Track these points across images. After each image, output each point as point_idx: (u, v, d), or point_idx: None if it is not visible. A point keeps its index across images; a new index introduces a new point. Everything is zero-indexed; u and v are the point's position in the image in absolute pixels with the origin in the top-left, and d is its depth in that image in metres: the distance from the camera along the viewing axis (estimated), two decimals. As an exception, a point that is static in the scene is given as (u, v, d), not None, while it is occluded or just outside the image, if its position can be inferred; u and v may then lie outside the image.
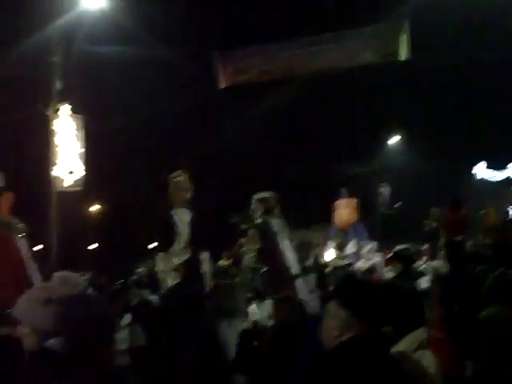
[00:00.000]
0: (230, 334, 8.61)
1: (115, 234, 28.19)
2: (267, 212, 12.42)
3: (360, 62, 16.41)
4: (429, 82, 25.67)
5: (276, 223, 12.32)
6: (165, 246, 8.51)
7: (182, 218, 8.60)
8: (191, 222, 8.65)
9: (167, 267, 8.41)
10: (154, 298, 9.03)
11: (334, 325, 3.15)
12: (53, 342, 3.25)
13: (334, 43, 16.81)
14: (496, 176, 38.46)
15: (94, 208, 32.81)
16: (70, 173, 18.19)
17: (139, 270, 14.90)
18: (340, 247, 15.67)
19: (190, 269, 8.52)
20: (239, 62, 16.69)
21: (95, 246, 34.20)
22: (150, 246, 27.61)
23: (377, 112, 26.43)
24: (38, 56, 17.16)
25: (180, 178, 8.76)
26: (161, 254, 8.46)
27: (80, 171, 18.30)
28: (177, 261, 8.36)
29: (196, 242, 8.59)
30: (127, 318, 9.15)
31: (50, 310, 3.37)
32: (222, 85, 16.66)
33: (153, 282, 9.44)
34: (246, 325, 8.11)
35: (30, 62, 17.06)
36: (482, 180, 38.40)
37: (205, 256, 8.70)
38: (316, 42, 17.28)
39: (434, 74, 24.27)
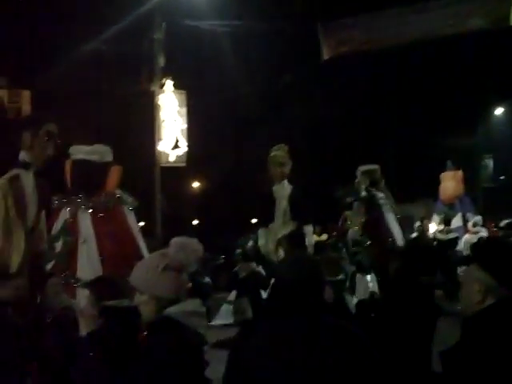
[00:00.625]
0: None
1: (218, 210, 28.49)
2: (372, 185, 12.34)
3: (468, 28, 15.71)
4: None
5: (381, 196, 12.24)
6: (266, 221, 8.40)
7: (282, 192, 8.56)
8: (291, 195, 8.52)
9: (269, 241, 8.24)
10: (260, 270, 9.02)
11: (476, 290, 2.96)
12: (172, 310, 3.23)
13: (440, 9, 16.17)
14: None
15: (197, 184, 33.26)
16: (174, 148, 18.26)
17: (244, 244, 14.98)
18: (446, 221, 15.20)
19: (293, 242, 8.39)
20: (342, 33, 16.39)
21: (198, 221, 34.75)
22: (253, 221, 27.94)
23: (481, 82, 25.37)
24: (140, 32, 17.39)
25: (277, 152, 8.68)
26: (262, 229, 8.44)
27: (183, 147, 18.44)
28: (279, 234, 8.29)
29: (298, 216, 8.51)
30: (233, 294, 9.25)
31: (170, 277, 3.36)
32: (326, 56, 16.42)
33: (257, 255, 9.42)
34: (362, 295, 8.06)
35: (132, 39, 17.29)
36: None
37: (308, 229, 8.64)
38: (421, 9, 16.70)
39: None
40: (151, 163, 18.07)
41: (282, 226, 8.49)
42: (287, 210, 8.48)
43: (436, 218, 16.91)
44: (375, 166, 12.67)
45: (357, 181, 12.39)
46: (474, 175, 25.07)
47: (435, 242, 15.21)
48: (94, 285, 4.04)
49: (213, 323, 9.62)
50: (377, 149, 23.59)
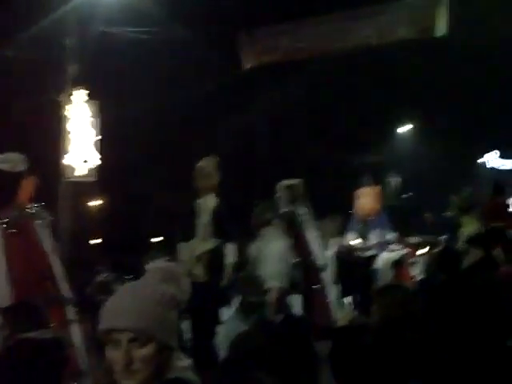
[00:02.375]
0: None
1: (124, 227, 27.73)
2: (294, 200, 12.10)
3: (395, 38, 15.74)
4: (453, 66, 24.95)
5: (303, 212, 12.00)
6: (187, 236, 8.00)
7: (206, 205, 8.20)
8: (215, 210, 8.13)
9: (190, 257, 8.00)
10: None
11: None
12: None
13: (367, 18, 16.07)
14: (506, 165, 38.48)
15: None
16: (85, 162, 17.49)
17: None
18: (362, 238, 15.10)
19: (212, 261, 8.10)
20: (265, 41, 16.12)
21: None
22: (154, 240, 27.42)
23: (390, 98, 25.74)
24: (51, 39, 16.64)
25: (204, 163, 8.36)
26: (183, 244, 8.05)
27: (95, 160, 17.68)
28: (199, 250, 8.09)
29: (220, 233, 8.30)
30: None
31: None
32: (247, 66, 16.11)
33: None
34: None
35: (43, 45, 16.52)
36: (492, 169, 38.21)
37: (230, 248, 8.42)
38: (346, 18, 16.57)
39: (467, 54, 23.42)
40: (56, 178, 17.17)
41: (201, 243, 8.14)
42: (208, 226, 8.14)
43: (351, 235, 16.76)
44: (297, 181, 12.48)
45: (277, 196, 12.15)
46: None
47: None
48: (7, 312, 3.43)
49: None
50: (287, 164, 23.42)
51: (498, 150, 37.52)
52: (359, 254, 15.05)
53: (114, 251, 24.23)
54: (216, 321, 7.85)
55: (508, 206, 14.05)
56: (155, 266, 2.82)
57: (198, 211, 8.26)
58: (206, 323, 7.68)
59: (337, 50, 16.85)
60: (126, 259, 19.87)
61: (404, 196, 23.21)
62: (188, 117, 22.28)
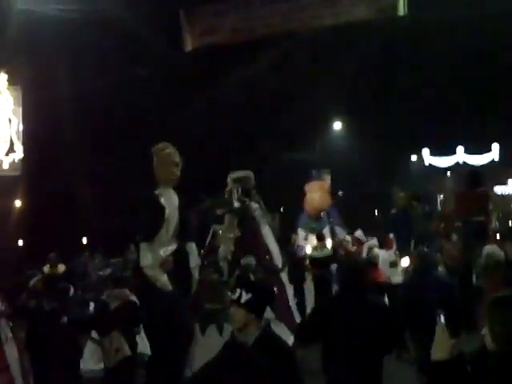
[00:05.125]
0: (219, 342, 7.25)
1: (51, 227, 26.05)
2: (245, 194, 11.18)
3: (353, 18, 14.74)
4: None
5: (256, 207, 11.19)
6: (148, 235, 6.87)
7: (171, 200, 6.96)
8: (180, 205, 7.12)
9: (155, 261, 6.82)
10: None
11: None
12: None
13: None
14: (440, 163, 39.09)
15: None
16: (8, 154, 16.15)
17: (113, 261, 13.05)
18: (318, 236, 14.19)
19: (178, 264, 6.99)
20: (208, 21, 14.93)
21: (23, 241, 31.78)
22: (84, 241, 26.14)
23: (321, 95, 25.13)
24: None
25: (169, 150, 7.07)
26: (144, 245, 6.85)
27: (19, 152, 16.39)
28: (164, 253, 6.91)
29: (183, 231, 7.17)
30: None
31: None
32: (188, 47, 14.93)
33: (124, 278, 7.70)
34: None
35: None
36: (430, 166, 38.88)
37: (191, 247, 7.31)
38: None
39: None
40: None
41: (167, 242, 6.93)
42: (175, 223, 6.93)
43: (301, 232, 15.84)
44: (249, 173, 11.55)
45: (227, 189, 11.16)
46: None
47: (307, 261, 14.10)
48: None
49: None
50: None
51: (432, 147, 38.21)
52: (315, 254, 14.10)
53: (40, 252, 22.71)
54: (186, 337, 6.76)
55: (489, 197, 13.26)
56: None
57: (162, 205, 6.95)
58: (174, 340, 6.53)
59: (289, 31, 15.79)
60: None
61: (339, 193, 22.72)
62: (124, 103, 20.82)
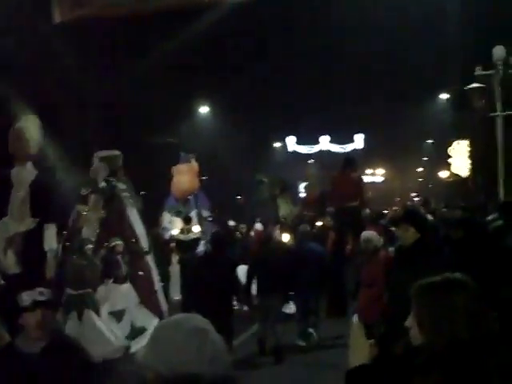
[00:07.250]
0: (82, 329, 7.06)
1: None
2: (112, 174, 10.86)
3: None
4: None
5: (123, 188, 10.95)
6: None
7: (22, 177, 6.52)
8: (35, 183, 6.57)
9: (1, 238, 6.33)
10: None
11: None
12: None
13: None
14: (304, 150, 41.47)
15: None
16: None
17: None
18: (185, 219, 13.95)
19: (31, 243, 6.63)
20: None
21: None
22: None
23: (187, 77, 24.85)
24: None
25: (25, 123, 6.61)
26: None
27: None
28: (11, 231, 6.56)
29: (39, 211, 6.78)
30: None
31: None
32: (58, 19, 14.21)
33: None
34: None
35: None
36: (291, 152, 41.04)
37: (50, 230, 6.88)
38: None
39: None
40: None
41: (16, 222, 6.44)
42: (26, 201, 6.44)
43: (167, 215, 15.56)
44: (116, 153, 11.25)
45: (93, 168, 10.75)
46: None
47: (173, 244, 13.83)
48: None
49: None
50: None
51: (297, 134, 39.05)
52: (181, 237, 13.88)
53: None
54: None
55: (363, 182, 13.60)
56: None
57: (12, 183, 6.51)
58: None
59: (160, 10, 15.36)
60: None
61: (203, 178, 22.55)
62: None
